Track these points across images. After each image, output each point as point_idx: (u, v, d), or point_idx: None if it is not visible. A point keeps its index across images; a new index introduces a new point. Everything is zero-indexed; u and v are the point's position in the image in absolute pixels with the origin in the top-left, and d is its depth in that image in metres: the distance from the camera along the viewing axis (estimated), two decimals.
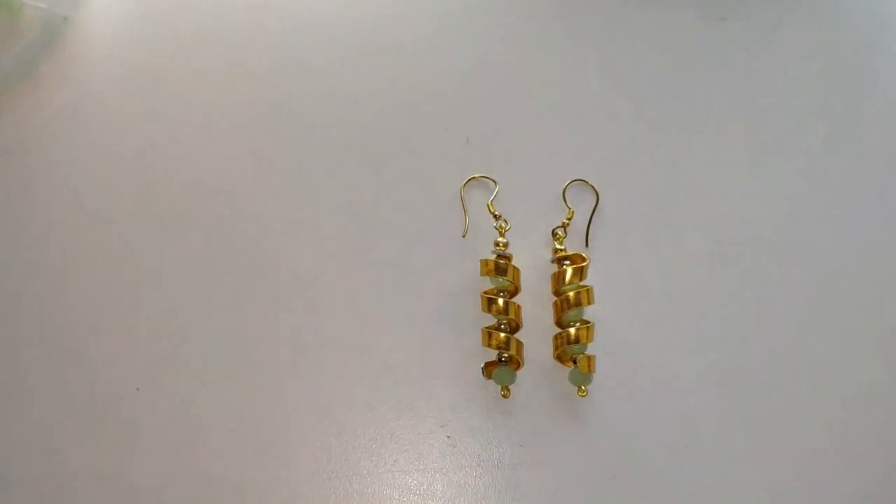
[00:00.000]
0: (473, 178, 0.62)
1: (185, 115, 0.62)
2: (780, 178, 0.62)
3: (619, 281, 0.61)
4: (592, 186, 0.62)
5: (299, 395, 0.59)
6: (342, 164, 0.63)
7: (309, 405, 0.59)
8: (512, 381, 0.58)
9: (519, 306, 0.58)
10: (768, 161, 0.63)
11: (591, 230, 0.62)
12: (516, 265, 0.59)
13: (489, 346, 0.57)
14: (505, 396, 0.58)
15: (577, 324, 0.58)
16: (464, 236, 0.61)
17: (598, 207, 0.62)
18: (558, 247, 0.60)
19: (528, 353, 0.58)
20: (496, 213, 0.61)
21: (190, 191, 0.62)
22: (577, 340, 0.57)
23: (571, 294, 0.57)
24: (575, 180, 0.62)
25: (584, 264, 0.58)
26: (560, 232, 0.61)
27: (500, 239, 0.60)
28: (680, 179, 0.63)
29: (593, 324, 0.58)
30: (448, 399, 0.58)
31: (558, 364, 0.59)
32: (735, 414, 0.58)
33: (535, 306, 0.60)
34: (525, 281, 0.60)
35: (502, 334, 0.57)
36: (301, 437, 0.57)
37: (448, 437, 0.57)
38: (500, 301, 0.57)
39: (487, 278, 0.59)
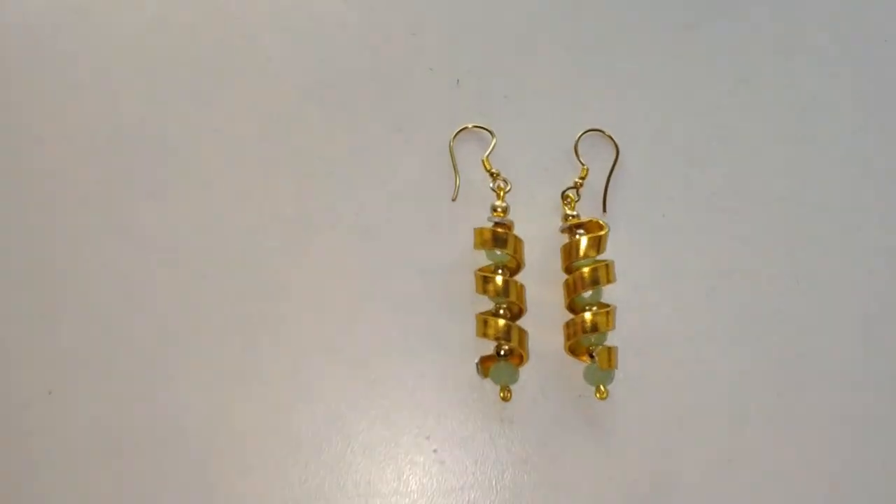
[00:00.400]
0: (465, 128, 0.56)
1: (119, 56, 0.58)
2: (837, 143, 0.58)
3: (644, 254, 0.55)
4: (611, 138, 0.56)
5: (247, 400, 0.53)
6: (305, 110, 0.58)
7: (259, 412, 0.53)
8: (514, 380, 0.52)
9: (522, 286, 0.52)
10: (825, 118, 0.58)
11: (609, 192, 0.55)
12: (518, 235, 0.53)
13: (485, 336, 0.51)
14: (505, 399, 0.52)
15: (595, 308, 0.52)
16: (454, 200, 0.55)
17: (617, 164, 0.55)
18: (569, 212, 0.54)
19: (534, 345, 0.52)
20: (493, 170, 0.55)
21: (123, 143, 0.57)
22: (594, 328, 0.51)
23: (587, 270, 0.51)
24: (590, 130, 0.56)
25: (601, 234, 0.52)
26: (572, 194, 0.55)
27: (499, 203, 0.54)
28: (720, 132, 0.58)
29: (614, 307, 0.52)
30: (434, 403, 0.53)
31: (571, 358, 0.53)
32: (789, 419, 0.53)
33: (542, 286, 0.53)
34: (529, 255, 0.53)
35: (501, 321, 0.51)
36: (250, 452, 0.52)
37: (435, 450, 0.52)
38: (499, 280, 0.51)
39: (483, 252, 0.53)
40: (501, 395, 0.52)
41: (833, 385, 0.53)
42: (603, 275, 0.52)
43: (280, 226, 0.56)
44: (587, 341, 0.52)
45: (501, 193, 0.55)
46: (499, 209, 0.54)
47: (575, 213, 0.55)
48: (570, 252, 0.53)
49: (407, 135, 0.57)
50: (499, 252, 0.52)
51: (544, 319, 0.53)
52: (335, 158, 0.57)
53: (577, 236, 0.53)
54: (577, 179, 0.56)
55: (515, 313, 0.53)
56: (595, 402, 0.52)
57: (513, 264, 0.53)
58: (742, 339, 0.54)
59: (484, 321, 0.52)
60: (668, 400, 0.53)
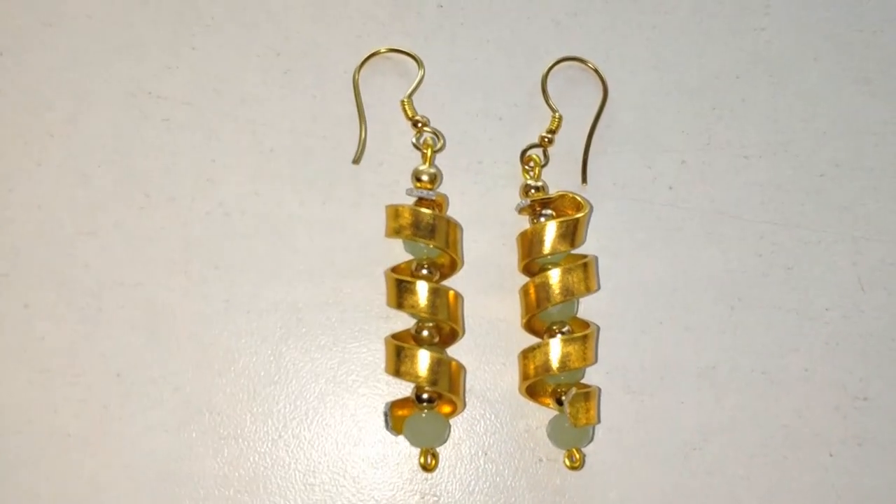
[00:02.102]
0: (378, 53, 0.51)
1: None
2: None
3: (643, 247, 0.50)
4: (597, 73, 0.51)
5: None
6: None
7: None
8: (441, 439, 0.48)
9: (457, 295, 0.49)
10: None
11: (591, 154, 0.50)
12: (453, 218, 0.49)
13: (398, 374, 0.47)
14: (427, 469, 0.47)
15: (567, 329, 0.48)
16: (356, 162, 0.50)
17: (604, 110, 0.50)
18: (532, 183, 0.49)
19: (473, 385, 0.49)
20: (419, 118, 0.50)
21: None
22: (565, 364, 0.47)
23: (555, 273, 0.47)
24: (566, 60, 0.52)
25: (578, 217, 0.48)
26: (536, 156, 0.51)
27: (425, 168, 0.50)
28: (751, 66, 0.51)
29: (594, 329, 0.48)
30: (319, 473, 0.47)
31: (530, 404, 0.49)
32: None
33: (488, 295, 0.50)
34: (470, 248, 0.50)
35: (424, 352, 0.47)
36: None
37: None
38: (422, 288, 0.47)
39: (399, 241, 0.49)
40: (422, 461, 0.47)
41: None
42: (579, 279, 0.48)
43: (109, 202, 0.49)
44: (554, 381, 0.48)
45: (429, 153, 0.50)
46: (425, 177, 0.50)
47: (540, 183, 0.50)
48: (531, 243, 0.49)
49: (288, 61, 0.52)
50: (423, 243, 0.48)
51: (489, 345, 0.49)
52: (179, 95, 0.50)
53: (543, 220, 0.49)
54: (544, 134, 0.51)
55: (446, 336, 0.49)
56: (564, 472, 0.48)
57: (444, 261, 0.49)
58: (779, 372, 0.48)
59: (397, 351, 0.47)
60: (676, 465, 0.48)
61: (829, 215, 0.49)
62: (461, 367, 0.46)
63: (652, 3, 0.53)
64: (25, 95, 0.50)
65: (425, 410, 0.46)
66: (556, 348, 0.45)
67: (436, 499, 0.46)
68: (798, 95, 0.51)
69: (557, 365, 0.45)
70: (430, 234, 0.46)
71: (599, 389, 0.46)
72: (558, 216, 0.47)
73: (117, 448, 0.46)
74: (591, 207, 0.48)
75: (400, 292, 0.45)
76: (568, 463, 0.46)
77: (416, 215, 0.45)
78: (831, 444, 0.47)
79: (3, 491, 0.46)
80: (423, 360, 0.45)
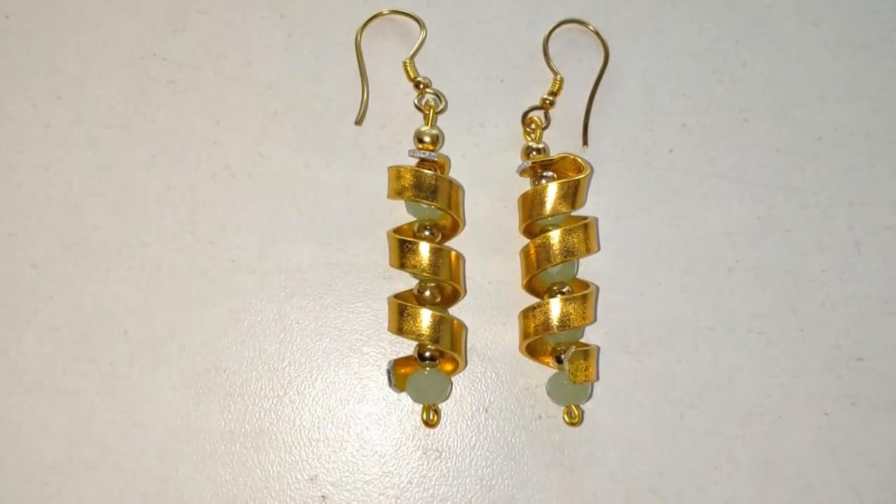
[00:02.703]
0: (380, 15, 0.52)
1: None
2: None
3: (643, 209, 0.50)
4: (598, 35, 0.52)
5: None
6: None
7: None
8: (443, 395, 0.49)
9: (459, 257, 0.49)
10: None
11: (592, 116, 0.51)
12: (455, 179, 0.49)
13: (401, 332, 0.48)
14: (430, 424, 0.48)
15: (567, 290, 0.49)
16: (358, 123, 0.50)
17: (606, 73, 0.51)
18: (533, 145, 0.50)
19: (474, 344, 0.50)
20: (421, 79, 0.51)
21: None
22: (565, 322, 0.47)
23: (556, 234, 0.48)
24: (567, 23, 0.52)
25: (579, 178, 0.49)
26: (538, 118, 0.51)
27: (427, 129, 0.50)
28: (756, 29, 0.52)
29: (594, 290, 0.49)
30: (324, 430, 0.48)
31: (530, 363, 0.50)
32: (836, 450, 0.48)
33: (489, 256, 0.50)
34: (471, 209, 0.51)
35: (426, 311, 0.47)
36: None
37: (323, 498, 0.46)
38: (425, 248, 0.48)
39: (402, 203, 0.50)
40: (425, 417, 0.48)
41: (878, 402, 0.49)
42: (579, 240, 0.48)
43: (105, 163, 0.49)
44: (553, 340, 0.49)
45: (431, 114, 0.51)
46: (427, 139, 0.50)
47: (541, 146, 0.50)
48: (532, 204, 0.49)
49: (292, 24, 0.52)
50: (425, 204, 0.48)
51: (490, 305, 0.50)
52: (184, 62, 0.51)
53: (544, 181, 0.49)
54: (546, 96, 0.51)
55: (448, 296, 0.50)
56: (563, 427, 0.49)
57: (446, 222, 0.50)
58: (776, 333, 0.49)
59: (400, 310, 0.48)
60: (673, 424, 0.49)
61: (826, 179, 0.50)
62: (462, 326, 0.47)
63: None
64: (33, 58, 0.50)
65: (427, 368, 0.46)
66: (556, 307, 0.46)
67: (438, 454, 0.47)
68: (797, 60, 0.51)
69: (557, 323, 0.46)
70: (431, 195, 0.46)
71: (598, 348, 0.47)
72: (559, 178, 0.48)
73: (124, 406, 0.47)
74: (592, 169, 0.48)
75: (402, 252, 0.46)
76: (567, 419, 0.47)
77: (418, 176, 0.46)
78: (826, 403, 0.48)
79: (13, 449, 0.47)
80: (425, 318, 0.45)
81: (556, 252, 0.47)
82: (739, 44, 0.51)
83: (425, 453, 0.47)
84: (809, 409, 0.48)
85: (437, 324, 0.46)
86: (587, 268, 0.49)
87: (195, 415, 0.47)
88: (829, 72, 0.51)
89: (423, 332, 0.46)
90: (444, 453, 0.47)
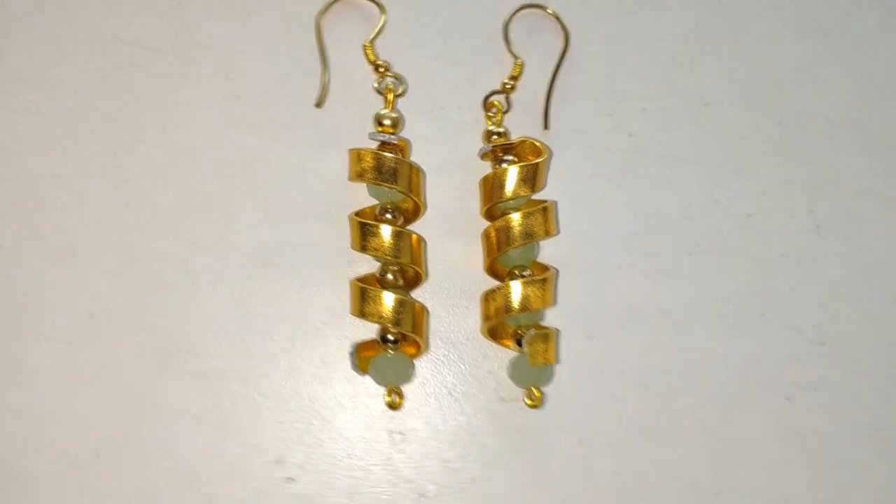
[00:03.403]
0: None
1: None
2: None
3: (603, 192, 0.51)
4: (558, 19, 0.52)
5: None
6: None
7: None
8: (406, 377, 0.49)
9: (420, 240, 0.50)
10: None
11: (553, 100, 0.52)
12: (415, 162, 0.50)
13: (363, 314, 0.48)
14: (393, 407, 0.49)
15: (527, 273, 0.49)
16: (318, 106, 0.51)
17: (567, 57, 0.51)
18: (494, 129, 0.51)
19: (437, 327, 0.51)
20: (380, 62, 0.52)
21: None
22: (525, 304, 0.48)
23: (516, 217, 0.49)
24: (528, 7, 0.53)
25: (538, 161, 0.49)
26: (498, 102, 0.52)
27: (387, 112, 0.51)
28: (717, 13, 0.53)
29: (553, 273, 0.50)
30: (287, 413, 0.49)
31: (492, 345, 0.50)
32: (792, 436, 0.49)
33: (450, 239, 0.51)
34: (432, 192, 0.51)
35: (388, 294, 0.48)
36: None
37: (289, 480, 0.47)
38: (386, 231, 0.48)
39: (363, 185, 0.50)
40: (388, 400, 0.49)
41: (841, 384, 0.50)
42: (538, 223, 0.49)
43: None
44: (514, 322, 0.50)
45: (391, 97, 0.51)
46: (387, 122, 0.50)
47: (502, 129, 0.51)
48: (492, 188, 0.50)
49: (251, 5, 0.53)
50: (386, 187, 0.49)
51: (453, 288, 0.51)
52: (152, 44, 0.51)
53: (504, 165, 0.50)
54: (506, 80, 0.52)
55: (410, 280, 0.50)
56: (525, 410, 0.49)
57: (407, 205, 0.50)
58: (737, 317, 0.50)
59: (362, 292, 0.48)
60: (633, 407, 0.50)
61: (787, 163, 0.51)
62: (424, 309, 0.47)
63: None
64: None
65: (390, 351, 0.47)
66: (516, 290, 0.47)
67: (402, 436, 0.47)
68: (757, 44, 0.52)
69: (518, 306, 0.47)
70: (392, 177, 0.47)
71: (558, 331, 0.47)
72: (520, 161, 0.48)
73: (87, 388, 0.47)
74: (551, 153, 0.49)
75: (364, 235, 0.46)
76: (528, 401, 0.48)
77: (379, 159, 0.46)
78: (788, 388, 0.49)
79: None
80: (387, 300, 0.46)
81: (516, 235, 0.47)
82: (699, 28, 0.52)
83: (390, 435, 0.47)
84: (771, 394, 0.49)
85: (399, 306, 0.46)
86: (548, 251, 0.50)
87: (160, 397, 0.47)
88: (789, 56, 0.52)
89: (385, 314, 0.46)
90: (408, 435, 0.48)
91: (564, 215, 0.50)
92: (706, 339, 0.50)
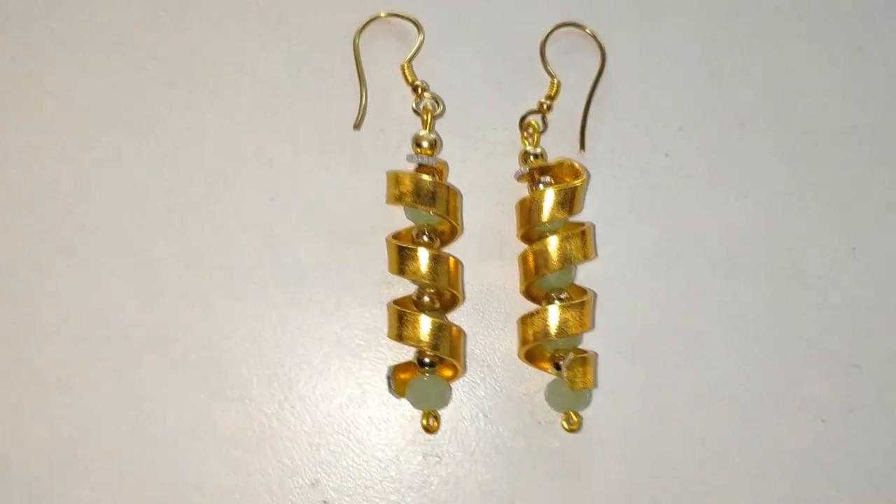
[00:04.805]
0: (378, 18, 0.52)
1: None
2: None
3: (639, 214, 0.52)
4: (595, 39, 0.52)
5: None
6: None
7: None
8: (443, 402, 0.50)
9: (457, 263, 0.50)
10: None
11: (590, 120, 0.52)
12: (453, 185, 0.50)
13: (401, 338, 0.49)
14: (430, 430, 0.49)
15: (564, 296, 0.49)
16: (357, 128, 0.51)
17: (602, 76, 0.52)
18: (531, 150, 0.50)
19: (474, 349, 0.51)
20: (419, 83, 0.51)
21: None
22: (563, 330, 0.48)
23: (554, 241, 0.49)
24: (564, 26, 0.53)
25: (576, 184, 0.49)
26: (535, 122, 0.52)
27: (425, 134, 0.51)
28: (752, 33, 0.53)
29: (592, 296, 0.50)
30: (324, 433, 0.49)
31: (529, 368, 0.50)
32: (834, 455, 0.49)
33: (487, 262, 0.51)
34: (470, 214, 0.52)
35: (425, 317, 0.48)
36: None
37: (325, 502, 0.48)
38: (424, 255, 0.48)
39: (400, 208, 0.50)
40: (425, 423, 0.49)
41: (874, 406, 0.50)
42: (576, 247, 0.49)
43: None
44: (552, 346, 0.49)
45: (429, 119, 0.51)
46: (425, 143, 0.50)
47: (539, 150, 0.51)
48: (529, 211, 0.50)
49: (288, 26, 0.53)
50: (424, 210, 0.49)
51: (490, 311, 0.51)
52: (183, 63, 0.52)
53: (542, 187, 0.50)
54: (543, 100, 0.52)
55: (447, 302, 0.50)
56: (562, 433, 0.49)
57: (445, 228, 0.50)
58: (773, 339, 0.50)
59: (399, 316, 0.48)
60: (670, 430, 0.50)
61: (823, 183, 0.51)
62: (462, 332, 0.47)
63: None
64: (29, 63, 0.51)
65: (427, 374, 0.47)
66: (554, 315, 0.47)
67: (437, 459, 0.48)
68: (793, 64, 0.52)
69: (556, 331, 0.47)
70: (430, 201, 0.47)
71: (596, 354, 0.48)
72: (556, 183, 0.48)
73: (127, 410, 0.48)
74: (589, 174, 0.49)
75: (402, 259, 0.47)
76: (566, 426, 0.48)
77: (417, 182, 0.46)
78: (823, 410, 0.49)
79: (16, 451, 0.48)
80: (424, 325, 0.46)
81: (554, 259, 0.47)
82: (736, 48, 0.52)
83: (425, 458, 0.48)
84: (806, 416, 0.49)
85: (437, 330, 0.47)
86: (585, 273, 0.50)
87: (197, 420, 0.48)
88: (824, 76, 0.52)
89: (423, 338, 0.47)
90: (443, 458, 0.48)
91: (601, 236, 0.50)
92: (743, 361, 0.50)
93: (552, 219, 0.47)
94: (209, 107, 0.51)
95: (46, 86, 0.52)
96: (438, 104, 0.50)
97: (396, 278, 0.48)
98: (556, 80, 0.50)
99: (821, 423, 0.49)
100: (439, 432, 0.49)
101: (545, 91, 0.52)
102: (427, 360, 0.48)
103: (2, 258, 0.50)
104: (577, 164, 0.48)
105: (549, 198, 0.47)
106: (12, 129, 0.52)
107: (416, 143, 0.49)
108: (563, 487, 0.49)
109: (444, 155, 0.50)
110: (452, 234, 0.49)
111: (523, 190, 0.49)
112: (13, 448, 0.48)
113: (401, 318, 0.46)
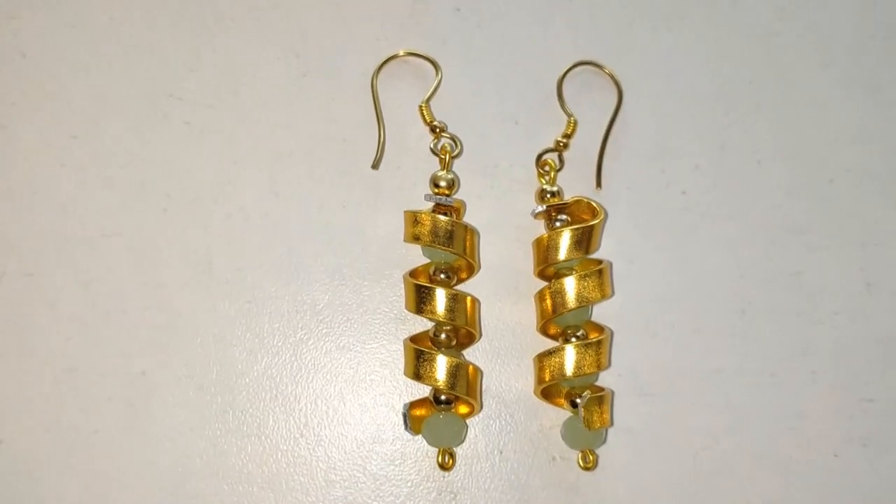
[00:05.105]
0: (396, 57, 0.52)
1: None
2: None
3: (656, 251, 0.52)
4: (612, 77, 0.52)
5: None
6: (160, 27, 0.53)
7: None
8: (459, 439, 0.49)
9: (475, 301, 0.50)
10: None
11: (606, 158, 0.52)
12: (469, 223, 0.50)
13: (418, 377, 0.48)
14: (445, 468, 0.49)
15: (580, 334, 0.49)
16: (375, 167, 0.51)
17: (620, 115, 0.52)
18: (548, 188, 0.51)
19: (488, 385, 0.51)
20: (436, 123, 0.52)
21: None
22: (579, 369, 0.48)
23: (570, 280, 0.49)
24: (581, 64, 0.53)
25: (593, 223, 0.49)
26: (552, 160, 0.52)
27: (443, 174, 0.51)
28: (768, 71, 0.53)
29: (609, 334, 0.50)
30: (341, 466, 0.49)
31: (544, 405, 0.50)
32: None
33: (504, 300, 0.51)
34: (486, 252, 0.52)
35: (442, 357, 0.48)
36: None
37: None
38: (441, 294, 0.48)
39: (417, 247, 0.50)
40: (440, 460, 0.49)
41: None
42: (594, 286, 0.49)
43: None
44: (568, 384, 0.49)
45: (447, 158, 0.51)
46: (443, 183, 0.51)
47: (556, 188, 0.51)
48: (546, 249, 0.50)
49: (307, 63, 0.53)
50: (440, 248, 0.49)
51: (506, 348, 0.51)
52: (197, 101, 0.52)
53: (558, 225, 0.50)
54: (559, 138, 0.52)
55: (463, 339, 0.50)
56: (577, 470, 0.49)
57: (461, 265, 0.50)
58: (787, 374, 0.51)
59: (416, 355, 0.48)
60: (685, 466, 0.50)
61: (838, 221, 0.51)
62: (478, 371, 0.48)
63: (667, 8, 0.54)
64: (48, 97, 0.51)
65: (443, 412, 0.47)
66: (570, 355, 0.47)
67: (452, 496, 0.48)
68: (810, 102, 0.52)
69: (572, 371, 0.47)
70: (447, 240, 0.47)
71: (612, 392, 0.48)
72: (573, 221, 0.48)
73: (142, 445, 0.48)
74: (606, 214, 0.49)
75: (419, 298, 0.47)
76: (582, 464, 0.48)
77: (435, 222, 0.47)
78: (836, 445, 0.49)
79: (32, 488, 0.48)
80: (441, 364, 0.47)
81: (571, 298, 0.48)
82: (752, 85, 0.52)
83: (440, 495, 0.48)
84: (820, 451, 0.49)
85: (454, 370, 0.47)
86: (601, 309, 0.50)
87: (212, 455, 0.48)
88: (840, 114, 0.52)
89: (440, 378, 0.47)
90: (458, 495, 0.48)
91: (617, 273, 0.50)
92: (757, 396, 0.50)
93: (569, 258, 0.48)
94: (225, 144, 0.51)
95: (63, 125, 0.51)
96: (457, 144, 0.50)
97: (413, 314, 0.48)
98: (572, 119, 0.51)
99: (834, 457, 0.49)
100: (454, 468, 0.49)
101: (562, 129, 0.51)
102: (443, 397, 0.48)
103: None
104: (594, 203, 0.49)
105: (566, 238, 0.48)
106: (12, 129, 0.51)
107: (434, 182, 0.49)
108: None
109: (461, 191, 0.50)
110: (469, 271, 0.49)
111: (540, 226, 0.50)
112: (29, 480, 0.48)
113: (417, 357, 0.46)
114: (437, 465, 0.48)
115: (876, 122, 0.52)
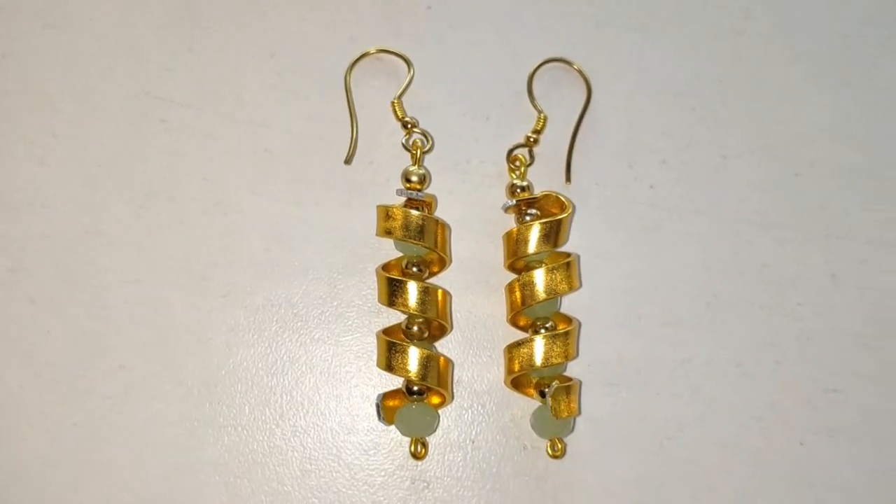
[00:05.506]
0: (368, 54, 0.53)
1: None
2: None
3: (624, 245, 0.52)
4: (581, 74, 0.53)
5: None
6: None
7: None
8: (430, 429, 0.50)
9: (446, 294, 0.50)
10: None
11: (576, 153, 0.52)
12: (442, 218, 0.50)
13: (390, 368, 0.49)
14: (417, 457, 0.49)
15: (550, 324, 0.49)
16: (347, 162, 0.52)
17: (589, 111, 0.52)
18: (518, 183, 0.51)
19: (460, 376, 0.51)
20: (408, 119, 0.52)
21: None
22: (547, 360, 0.48)
23: (539, 272, 0.49)
24: (551, 62, 0.53)
25: (562, 217, 0.49)
26: (522, 155, 0.52)
27: (414, 169, 0.51)
28: (732, 70, 0.54)
29: (577, 325, 0.50)
30: (314, 460, 0.50)
31: (514, 395, 0.51)
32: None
33: (475, 292, 0.52)
34: (457, 245, 0.52)
35: (414, 348, 0.49)
36: None
37: None
38: (412, 288, 0.49)
39: (390, 241, 0.50)
40: (412, 450, 0.49)
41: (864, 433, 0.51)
42: (562, 279, 0.49)
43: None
44: (537, 374, 0.50)
45: (418, 154, 0.52)
46: (414, 178, 0.51)
47: (525, 183, 0.51)
48: (516, 243, 0.50)
49: (282, 62, 0.54)
50: (412, 242, 0.49)
51: (477, 339, 0.52)
52: (177, 99, 0.53)
53: (528, 219, 0.50)
54: (530, 134, 0.52)
55: (435, 331, 0.51)
56: (546, 459, 0.50)
57: (433, 259, 0.51)
58: (753, 365, 0.51)
59: (388, 347, 0.49)
60: (652, 454, 0.50)
61: (803, 214, 0.51)
62: (449, 362, 0.48)
63: (635, 7, 0.54)
64: (29, 96, 0.51)
65: (415, 402, 0.47)
66: (539, 346, 0.47)
67: (426, 484, 0.48)
68: (777, 98, 0.53)
69: (541, 361, 0.47)
70: (419, 235, 0.47)
71: (580, 382, 0.48)
72: (543, 215, 0.49)
73: (121, 437, 0.48)
74: (574, 207, 0.49)
75: (391, 291, 0.47)
76: (550, 452, 0.48)
77: (406, 217, 0.47)
78: (803, 434, 0.49)
79: (12, 480, 0.48)
80: (413, 356, 0.47)
81: (540, 290, 0.48)
82: (720, 82, 0.53)
83: (414, 483, 0.48)
84: (786, 441, 0.50)
85: (425, 361, 0.47)
86: (569, 301, 0.50)
87: (189, 446, 0.48)
88: (807, 109, 0.53)
89: (412, 370, 0.47)
90: (431, 484, 0.48)
91: (585, 266, 0.51)
92: (723, 387, 0.50)
93: (538, 251, 0.48)
94: (202, 142, 0.51)
95: (43, 124, 0.52)
96: (428, 140, 0.50)
97: (386, 307, 0.48)
98: (542, 115, 0.51)
99: (800, 446, 0.50)
100: (427, 457, 0.49)
101: (532, 125, 0.51)
102: (416, 388, 0.48)
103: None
104: (562, 198, 0.49)
105: (535, 231, 0.48)
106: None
107: (406, 177, 0.49)
108: None
109: (432, 186, 0.51)
110: (441, 264, 0.49)
111: (510, 220, 0.50)
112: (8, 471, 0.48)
113: (390, 349, 0.47)
114: (409, 455, 0.48)
115: (841, 117, 0.52)
